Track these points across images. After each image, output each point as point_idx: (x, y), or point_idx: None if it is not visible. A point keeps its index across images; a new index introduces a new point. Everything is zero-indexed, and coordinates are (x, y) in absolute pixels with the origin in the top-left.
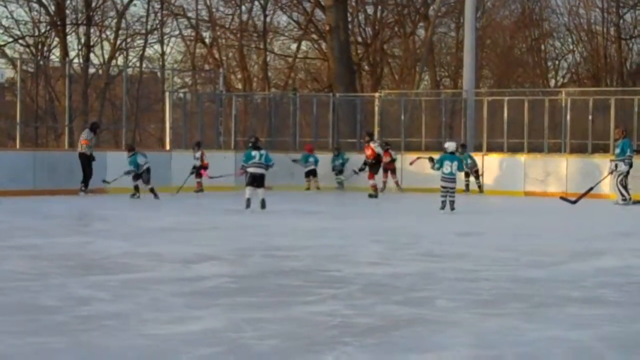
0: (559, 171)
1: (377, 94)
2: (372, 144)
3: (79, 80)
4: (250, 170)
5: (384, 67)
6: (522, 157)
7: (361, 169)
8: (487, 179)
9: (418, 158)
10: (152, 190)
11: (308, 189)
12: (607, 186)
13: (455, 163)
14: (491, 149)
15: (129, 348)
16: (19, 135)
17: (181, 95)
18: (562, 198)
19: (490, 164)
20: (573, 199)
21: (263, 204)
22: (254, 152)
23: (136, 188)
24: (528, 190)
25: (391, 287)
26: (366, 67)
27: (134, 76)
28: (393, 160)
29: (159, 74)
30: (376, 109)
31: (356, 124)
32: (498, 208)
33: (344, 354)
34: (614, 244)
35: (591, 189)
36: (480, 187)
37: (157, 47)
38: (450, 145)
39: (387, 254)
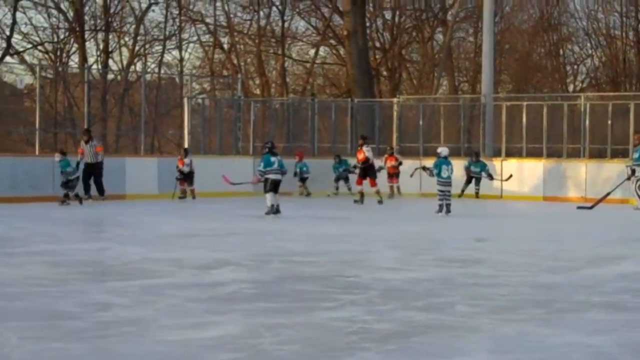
0: (578, 176)
1: (395, 99)
2: (364, 148)
3: (98, 86)
4: (271, 176)
5: (402, 72)
6: (541, 162)
7: (354, 168)
8: (506, 184)
9: (416, 169)
10: (77, 197)
11: (306, 194)
12: (627, 191)
13: (451, 167)
14: (510, 154)
15: (148, 354)
16: (38, 141)
17: (199, 100)
18: (579, 207)
19: (509, 169)
20: (590, 204)
21: (278, 209)
22: (272, 158)
23: (66, 195)
24: (547, 195)
25: (410, 293)
26: (384, 73)
27: (153, 82)
28: (399, 164)
29: (177, 79)
30: (394, 114)
31: (375, 129)
32: (517, 213)
33: (364, 359)
34: (634, 249)
35: (608, 194)
36: (477, 193)
37: (176, 52)
38: (443, 150)
39: (405, 259)
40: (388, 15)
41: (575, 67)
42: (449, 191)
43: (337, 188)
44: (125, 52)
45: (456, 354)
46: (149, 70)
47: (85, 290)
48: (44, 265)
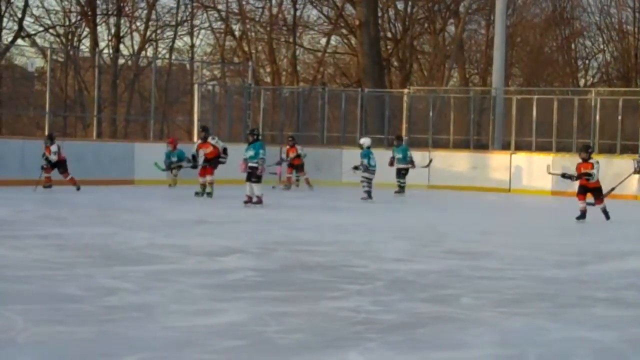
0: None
1: (405, 90)
2: (210, 141)
3: (108, 71)
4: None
5: (413, 63)
6: (550, 157)
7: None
8: (515, 178)
9: (353, 169)
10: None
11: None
12: (633, 187)
13: (373, 156)
14: (519, 147)
15: (152, 339)
16: (47, 124)
17: (210, 87)
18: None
19: (517, 162)
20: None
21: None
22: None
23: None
24: (555, 190)
25: (416, 284)
26: (395, 63)
27: (163, 68)
28: (298, 156)
29: (187, 66)
30: (405, 105)
31: (384, 119)
32: (524, 207)
33: (368, 350)
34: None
35: (613, 189)
36: (402, 187)
37: (187, 39)
38: (366, 141)
39: (412, 250)
40: (400, 5)
41: (587, 61)
42: (372, 179)
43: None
44: (137, 37)
45: (461, 346)
46: (159, 55)
47: (91, 274)
48: (51, 249)
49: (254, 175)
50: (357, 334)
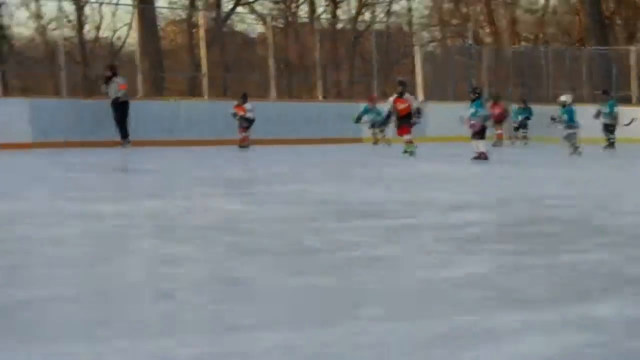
0: None
1: (632, 48)
2: (406, 96)
3: (328, 36)
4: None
5: (638, 21)
6: None
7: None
8: None
9: (552, 121)
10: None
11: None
12: None
13: (575, 113)
14: None
15: (396, 290)
16: (274, 86)
17: (431, 49)
18: None
19: None
20: None
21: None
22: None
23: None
24: None
25: None
26: (618, 21)
27: (382, 31)
28: (505, 111)
29: (406, 28)
30: (632, 63)
31: (611, 77)
32: None
33: (615, 303)
34: None
35: None
36: (611, 142)
37: (404, 2)
38: (568, 98)
39: None
40: None
41: None
42: (576, 134)
43: (525, 136)
44: (353, 1)
45: None
46: (377, 19)
47: (330, 228)
48: (287, 205)
49: (477, 132)
50: (603, 287)
